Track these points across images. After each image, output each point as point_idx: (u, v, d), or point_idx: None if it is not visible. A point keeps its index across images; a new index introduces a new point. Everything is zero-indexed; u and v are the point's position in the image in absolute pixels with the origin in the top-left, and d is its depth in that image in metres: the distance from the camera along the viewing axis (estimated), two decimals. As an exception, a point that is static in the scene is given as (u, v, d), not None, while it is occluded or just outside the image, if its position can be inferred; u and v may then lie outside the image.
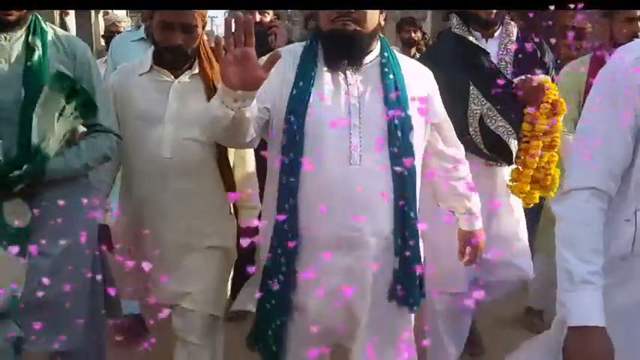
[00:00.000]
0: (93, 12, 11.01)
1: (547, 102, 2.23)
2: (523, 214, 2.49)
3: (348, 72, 1.67)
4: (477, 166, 2.14)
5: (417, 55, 4.74)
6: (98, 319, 1.98)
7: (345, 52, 1.65)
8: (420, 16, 10.42)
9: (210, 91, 1.97)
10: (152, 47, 2.07)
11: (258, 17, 2.62)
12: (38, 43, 1.78)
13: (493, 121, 2.24)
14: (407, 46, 4.79)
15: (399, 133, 1.62)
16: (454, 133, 1.90)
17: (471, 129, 2.24)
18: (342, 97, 1.65)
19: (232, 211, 2.18)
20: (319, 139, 1.61)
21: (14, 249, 1.71)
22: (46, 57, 1.78)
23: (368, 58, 1.69)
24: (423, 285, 1.74)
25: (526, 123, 2.26)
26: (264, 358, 1.76)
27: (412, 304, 1.70)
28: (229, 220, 2.17)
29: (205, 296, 2.08)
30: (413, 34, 4.94)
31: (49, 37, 1.82)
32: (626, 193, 1.31)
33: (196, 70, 2.02)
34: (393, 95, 1.64)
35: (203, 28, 2.01)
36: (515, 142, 2.27)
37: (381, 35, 1.75)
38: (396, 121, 1.62)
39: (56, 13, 8.16)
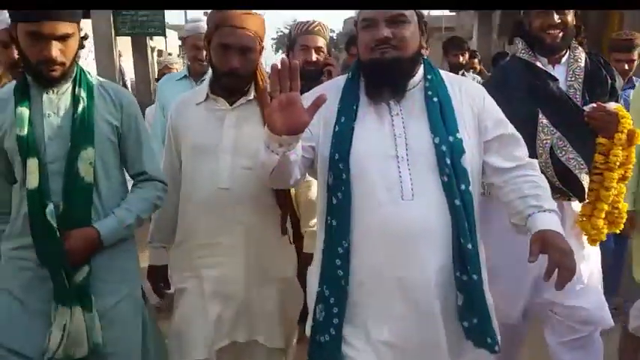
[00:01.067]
0: (149, 53, 11.44)
1: (622, 132, 2.08)
2: (597, 252, 2.29)
3: (391, 101, 1.59)
4: None
5: (466, 75, 4.79)
6: None
7: (385, 80, 1.58)
8: (466, 35, 10.37)
9: None
10: (209, 72, 2.06)
11: (314, 57, 2.55)
12: (84, 94, 1.79)
13: (563, 153, 2.09)
14: (455, 69, 4.73)
15: (449, 160, 1.51)
16: (515, 145, 1.66)
17: (540, 160, 2.07)
18: (386, 129, 1.57)
19: (291, 239, 2.12)
20: (367, 176, 1.53)
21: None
22: (92, 108, 1.79)
23: (411, 84, 1.61)
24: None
25: (599, 154, 2.11)
26: None
27: (490, 344, 1.54)
28: (289, 250, 2.11)
29: (269, 330, 2.03)
30: (461, 58, 4.89)
31: (95, 88, 1.83)
32: None
33: (251, 96, 1.99)
34: (439, 120, 1.55)
35: (260, 52, 2.00)
36: (587, 176, 2.10)
37: (425, 57, 1.66)
38: (444, 147, 1.51)
39: (116, 56, 8.54)
